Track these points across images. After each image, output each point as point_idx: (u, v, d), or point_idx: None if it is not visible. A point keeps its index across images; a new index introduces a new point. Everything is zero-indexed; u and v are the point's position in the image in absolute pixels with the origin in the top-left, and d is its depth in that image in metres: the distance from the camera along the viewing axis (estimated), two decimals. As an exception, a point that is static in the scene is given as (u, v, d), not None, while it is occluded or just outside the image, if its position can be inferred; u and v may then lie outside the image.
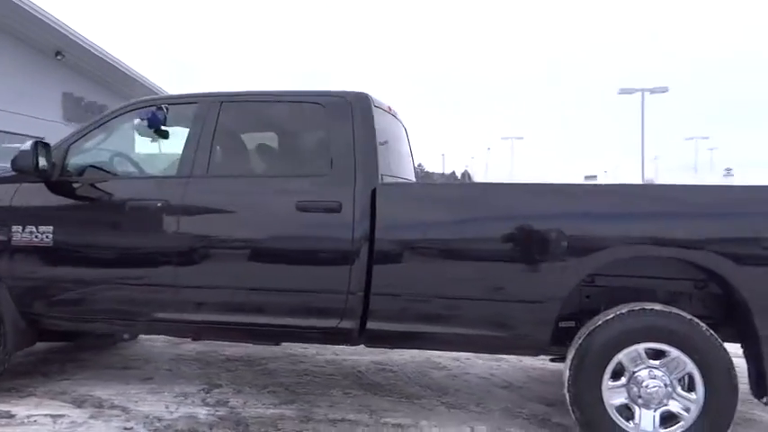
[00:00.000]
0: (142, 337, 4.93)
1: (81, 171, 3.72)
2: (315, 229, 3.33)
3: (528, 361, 4.82)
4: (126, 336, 4.08)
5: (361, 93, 3.54)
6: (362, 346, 3.58)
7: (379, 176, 3.40)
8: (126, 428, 3.33)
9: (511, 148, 64.01)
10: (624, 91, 31.38)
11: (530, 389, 4.19)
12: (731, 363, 2.95)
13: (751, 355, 3.08)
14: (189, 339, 5.05)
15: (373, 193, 3.29)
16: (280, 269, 3.39)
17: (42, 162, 3.45)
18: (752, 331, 2.98)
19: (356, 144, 3.39)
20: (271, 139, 3.91)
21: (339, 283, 3.28)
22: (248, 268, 3.42)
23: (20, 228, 3.57)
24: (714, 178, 75.75)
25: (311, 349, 5.02)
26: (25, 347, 3.86)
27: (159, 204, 3.44)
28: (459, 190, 3.57)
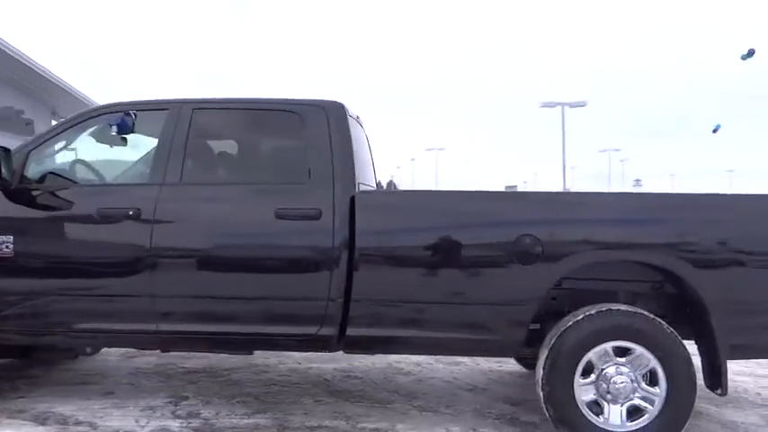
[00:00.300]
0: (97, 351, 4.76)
1: (41, 178, 3.57)
2: (294, 237, 3.35)
3: (484, 364, 4.99)
4: (88, 350, 3.92)
5: (336, 102, 3.60)
6: (324, 354, 3.60)
7: (357, 184, 3.46)
8: (97, 444, 3.23)
9: (435, 158, 65.35)
10: (546, 105, 32.71)
11: (493, 390, 4.33)
12: (690, 358, 3.19)
13: (705, 351, 3.33)
14: (142, 353, 4.95)
15: (352, 200, 3.35)
16: (258, 277, 3.39)
17: (4, 170, 3.30)
18: (707, 328, 3.23)
19: (333, 152, 3.44)
20: (246, 146, 3.90)
21: (319, 290, 3.31)
22: (225, 276, 3.40)
23: None
24: (625, 188, 79.80)
25: (272, 359, 4.98)
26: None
27: (131, 212, 3.35)
28: (437, 198, 3.66)
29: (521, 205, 3.44)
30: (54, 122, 21.52)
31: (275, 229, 3.34)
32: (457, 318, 3.33)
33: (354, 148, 3.58)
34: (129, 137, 3.80)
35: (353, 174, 3.46)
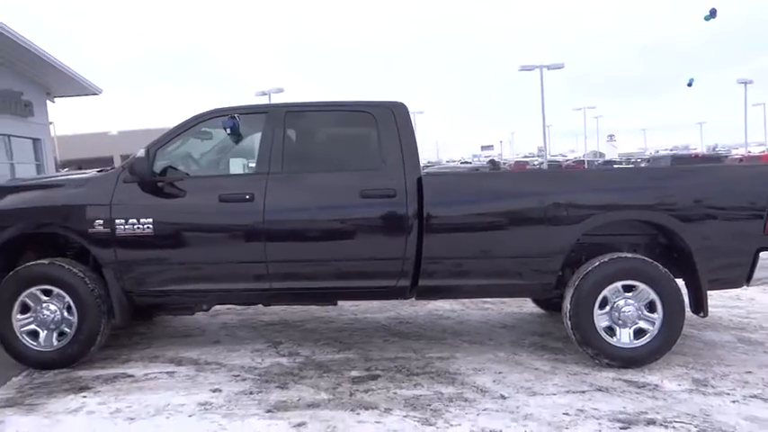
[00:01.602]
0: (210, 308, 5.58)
1: (163, 171, 4.44)
2: (376, 211, 4.29)
3: (507, 309, 6.03)
4: (205, 306, 4.83)
5: (400, 102, 4.51)
6: (374, 305, 4.44)
7: (421, 168, 4.41)
8: (234, 375, 4.20)
9: (414, 122, 65.92)
10: (525, 68, 33.49)
11: (521, 327, 5.37)
12: (679, 290, 4.24)
13: (690, 285, 4.38)
14: (222, 311, 5.89)
15: (419, 181, 4.30)
16: (349, 243, 4.32)
17: (145, 168, 4.18)
18: (691, 267, 4.28)
19: (402, 144, 4.37)
20: (332, 141, 4.81)
21: (397, 251, 4.27)
22: (323, 244, 4.34)
23: (122, 221, 4.29)
24: (600, 143, 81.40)
25: (332, 312, 5.96)
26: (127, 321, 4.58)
27: (247, 197, 4.27)
28: (484, 178, 4.61)
29: (549, 180, 4.43)
30: (49, 102, 21.79)
31: (361, 205, 4.28)
32: (503, 269, 4.34)
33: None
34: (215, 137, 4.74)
35: (418, 160, 4.40)
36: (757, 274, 4.31)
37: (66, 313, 4.34)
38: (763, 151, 41.02)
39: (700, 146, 79.75)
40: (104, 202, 4.32)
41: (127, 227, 4.29)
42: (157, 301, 4.54)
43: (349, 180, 4.35)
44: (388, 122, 4.42)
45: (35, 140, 20.64)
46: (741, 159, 21.58)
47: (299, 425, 3.38)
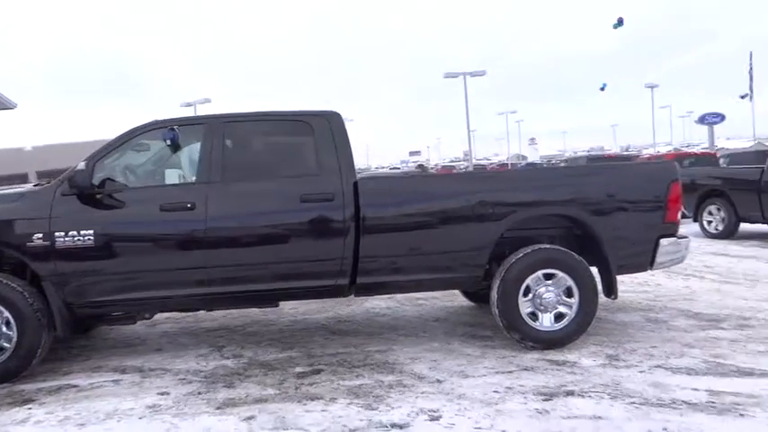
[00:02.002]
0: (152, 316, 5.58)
1: (101, 184, 4.50)
2: (315, 214, 4.52)
3: (439, 303, 6.37)
4: (147, 315, 4.89)
5: (335, 111, 4.77)
6: (314, 307, 4.68)
7: (356, 173, 4.68)
8: (180, 379, 4.32)
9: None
10: (449, 75, 34.54)
11: (452, 319, 5.72)
12: (593, 276, 4.69)
13: (602, 271, 4.84)
14: (159, 321, 5.93)
15: (355, 185, 4.57)
16: (290, 246, 4.53)
17: (85, 180, 4.25)
18: (602, 255, 4.74)
19: (337, 150, 4.63)
20: (270, 149, 4.98)
21: (335, 252, 4.51)
22: (265, 248, 4.52)
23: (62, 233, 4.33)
24: (522, 146, 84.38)
25: (270, 315, 6.12)
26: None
27: (189, 205, 4.41)
28: (416, 181, 4.92)
29: (474, 181, 4.80)
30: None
31: (301, 209, 4.50)
32: (435, 264, 4.66)
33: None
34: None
35: (353, 165, 4.67)
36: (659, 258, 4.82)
37: (4, 328, 4.33)
38: (670, 151, 43.75)
39: (614, 147, 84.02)
40: (43, 216, 4.35)
41: (67, 239, 4.33)
42: (100, 311, 4.59)
43: (289, 186, 4.56)
44: (324, 131, 4.66)
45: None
46: (650, 158, 23.04)
47: (249, 418, 3.56)
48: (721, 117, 37.83)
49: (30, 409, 3.87)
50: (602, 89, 40.65)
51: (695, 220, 10.95)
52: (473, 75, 34.11)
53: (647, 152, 41.53)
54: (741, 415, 3.34)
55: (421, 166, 40.95)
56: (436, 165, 59.86)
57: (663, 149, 50.09)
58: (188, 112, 35.55)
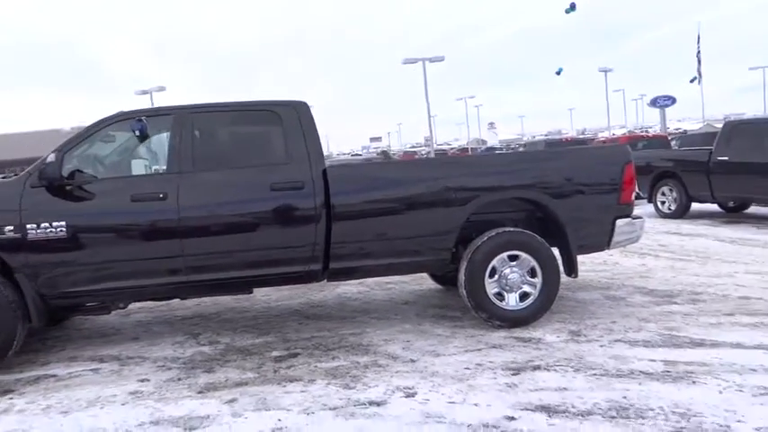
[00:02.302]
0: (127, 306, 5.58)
1: (71, 175, 4.51)
2: (286, 202, 4.62)
3: (408, 286, 6.55)
4: (121, 305, 4.92)
5: (302, 101, 4.86)
6: (286, 293, 4.80)
7: (324, 161, 4.79)
8: (159, 366, 4.40)
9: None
10: (408, 60, 34.55)
11: (422, 302, 5.90)
12: (555, 257, 4.92)
13: (563, 252, 5.08)
14: (132, 311, 5.97)
15: (324, 173, 4.68)
16: (262, 234, 4.62)
17: (55, 171, 4.26)
18: (563, 236, 4.97)
19: (306, 139, 4.73)
20: (239, 138, 5.04)
21: (307, 238, 4.63)
22: (237, 236, 4.60)
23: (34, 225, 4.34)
24: (482, 130, 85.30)
25: (243, 302, 6.21)
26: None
27: (161, 195, 4.46)
28: (384, 167, 5.05)
29: (439, 167, 4.96)
30: None
31: (272, 198, 4.60)
32: (404, 248, 4.82)
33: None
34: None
35: (322, 153, 4.78)
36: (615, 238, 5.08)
37: (-22, 321, 4.32)
38: (625, 133, 44.88)
39: (570, 130, 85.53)
40: (13, 208, 4.35)
41: (39, 231, 4.34)
42: (74, 301, 4.62)
43: (259, 175, 4.65)
44: (292, 120, 4.75)
45: None
46: (605, 142, 23.67)
47: (231, 401, 3.68)
48: (672, 100, 38.86)
49: (11, 399, 3.91)
50: (558, 73, 41.29)
51: (650, 201, 11.39)
52: (432, 60, 34.20)
53: (602, 135, 42.51)
54: (694, 382, 3.60)
55: (384, 152, 41.08)
56: (396, 151, 60.08)
57: (618, 132, 51.32)
58: (144, 100, 34.93)
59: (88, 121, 4.64)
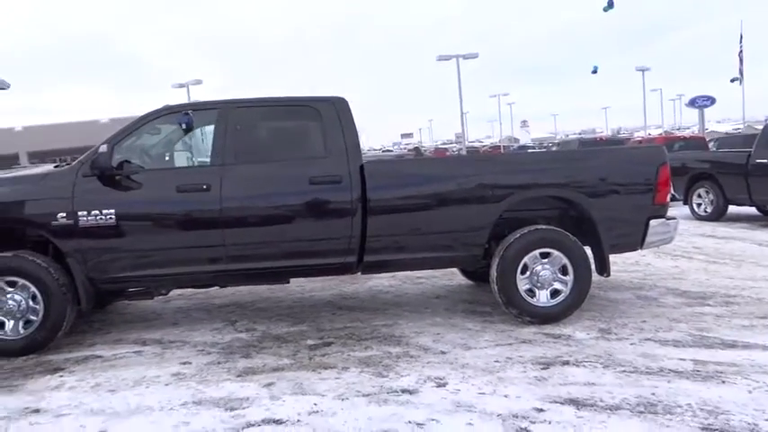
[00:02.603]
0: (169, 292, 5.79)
1: (119, 165, 4.71)
2: (324, 196, 4.76)
3: (439, 281, 6.65)
4: (164, 291, 5.13)
5: (341, 97, 4.99)
6: (319, 284, 4.97)
7: (362, 156, 4.92)
8: (199, 350, 4.58)
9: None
10: (442, 57, 34.58)
11: (453, 297, 6.00)
12: (587, 255, 4.97)
13: (595, 250, 5.12)
14: (172, 298, 6.18)
15: (361, 168, 4.81)
16: (300, 225, 4.77)
17: (107, 162, 4.47)
18: (596, 236, 5.02)
19: (344, 134, 4.86)
20: (280, 132, 5.19)
21: (344, 231, 4.76)
22: (276, 227, 4.76)
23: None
24: (514, 128, 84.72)
25: (278, 293, 6.38)
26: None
27: (204, 187, 4.64)
28: (420, 164, 5.17)
29: (475, 164, 5.05)
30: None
31: (310, 191, 4.74)
32: (438, 243, 4.92)
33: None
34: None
35: (360, 149, 4.90)
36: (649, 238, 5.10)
37: (31, 302, 4.57)
38: (661, 134, 44.14)
39: (605, 129, 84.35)
40: (66, 196, 4.57)
41: (90, 218, 4.56)
42: (120, 286, 4.84)
43: (298, 169, 4.80)
44: (331, 115, 4.89)
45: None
46: (641, 142, 23.35)
47: (269, 384, 3.83)
48: (712, 100, 38.00)
49: (61, 377, 4.13)
50: (594, 72, 40.74)
51: (685, 203, 11.26)
52: (466, 57, 34.15)
53: (638, 135, 41.88)
54: (723, 381, 3.64)
55: (416, 148, 41.09)
56: (427, 148, 60.05)
57: (654, 132, 50.48)
58: (181, 94, 35.61)
59: (124, 113, 4.86)
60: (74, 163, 4.83)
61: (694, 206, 11.10)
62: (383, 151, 55.22)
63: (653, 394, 3.48)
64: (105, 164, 4.48)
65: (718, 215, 10.70)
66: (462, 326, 4.95)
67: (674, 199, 9.86)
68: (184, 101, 34.91)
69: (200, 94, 35.88)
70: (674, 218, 5.27)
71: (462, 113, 35.41)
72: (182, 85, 35.37)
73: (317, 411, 3.41)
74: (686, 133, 38.09)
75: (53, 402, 3.69)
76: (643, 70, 44.21)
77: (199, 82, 35.89)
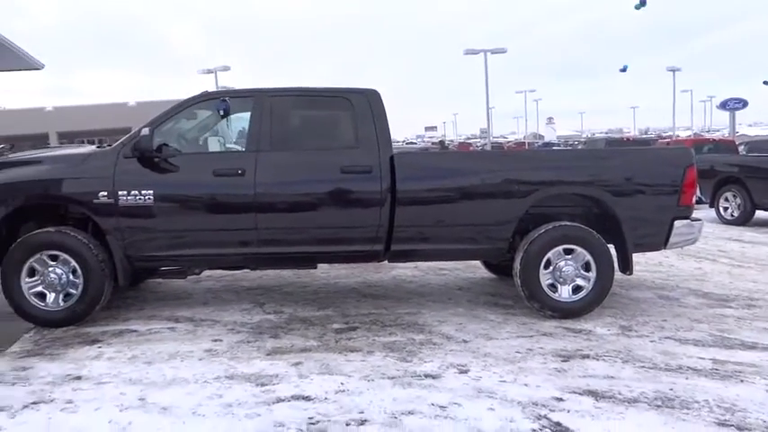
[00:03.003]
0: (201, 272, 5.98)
1: (158, 149, 4.88)
2: (354, 185, 4.90)
3: (462, 274, 6.76)
4: (197, 270, 5.33)
5: (373, 89, 5.11)
6: (344, 271, 5.08)
7: (392, 147, 5.04)
8: (229, 329, 4.76)
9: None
10: (469, 51, 34.43)
11: (476, 289, 6.10)
12: (610, 253, 5.03)
13: (619, 248, 5.18)
14: (202, 278, 6.37)
15: (391, 159, 4.93)
16: (330, 213, 4.91)
17: (148, 144, 4.65)
18: (620, 234, 5.08)
19: (376, 125, 4.98)
20: (313, 122, 5.34)
21: (372, 220, 4.89)
22: (307, 214, 4.91)
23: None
24: (540, 125, 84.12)
25: (304, 278, 6.54)
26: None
27: (239, 171, 4.80)
28: (449, 157, 5.29)
29: (502, 160, 5.14)
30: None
31: (341, 179, 4.88)
32: (463, 235, 5.03)
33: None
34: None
35: (390, 140, 5.02)
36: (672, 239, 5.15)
37: (71, 276, 4.77)
38: (690, 136, 43.54)
39: (632, 129, 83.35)
40: (108, 176, 4.76)
41: (129, 197, 4.75)
42: (156, 264, 5.04)
43: (330, 157, 4.93)
44: (363, 107, 5.01)
45: (-23, 115, 20.10)
46: (668, 143, 23.13)
47: (297, 364, 3.98)
48: (744, 103, 37.39)
49: (100, 347, 4.33)
50: (624, 70, 40.18)
51: (711, 206, 11.20)
52: (494, 52, 33.97)
53: (666, 136, 41.37)
54: (742, 381, 3.70)
55: (441, 142, 41.07)
56: (451, 141, 59.96)
57: (683, 134, 49.81)
58: (208, 79, 35.99)
59: (152, 96, 5.03)
60: (115, 144, 5.02)
61: (721, 210, 11.04)
62: (406, 143, 55.28)
63: (671, 390, 3.56)
64: (147, 146, 4.66)
65: (744, 219, 10.63)
66: (484, 317, 5.06)
67: (700, 202, 9.84)
68: (212, 87, 35.33)
69: (228, 81, 36.19)
70: (698, 219, 5.31)
71: (488, 108, 35.31)
72: (209, 71, 35.73)
73: (344, 390, 3.56)
74: (716, 136, 37.53)
75: (93, 371, 3.89)
76: (674, 70, 43.63)
77: (227, 68, 36.21)
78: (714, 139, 23.53)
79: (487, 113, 35.60)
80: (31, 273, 4.77)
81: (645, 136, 52.81)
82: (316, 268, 5.49)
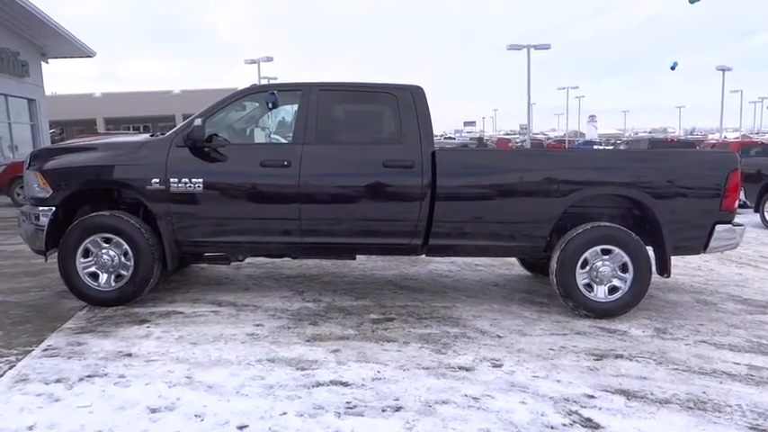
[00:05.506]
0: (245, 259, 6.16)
1: (209, 138, 5.07)
2: (396, 179, 5.00)
3: (497, 270, 6.82)
4: (240, 257, 5.53)
5: (418, 86, 5.20)
6: (380, 264, 5.19)
7: (434, 143, 5.12)
8: (270, 314, 4.93)
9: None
10: (512, 47, 34.10)
11: (511, 286, 6.17)
12: (648, 255, 5.04)
13: (657, 251, 5.18)
14: (243, 265, 6.58)
15: (433, 155, 5.02)
16: (372, 205, 5.03)
17: (200, 134, 4.84)
18: (659, 236, 5.07)
19: (419, 121, 5.07)
20: (359, 116, 5.47)
21: (412, 214, 5.00)
22: (350, 206, 5.04)
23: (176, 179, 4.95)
24: (581, 123, 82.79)
25: (342, 269, 6.70)
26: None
27: (285, 163, 4.96)
28: (490, 154, 5.37)
29: (543, 158, 5.18)
30: (43, 63, 21.86)
31: (384, 174, 4.99)
32: (501, 233, 5.09)
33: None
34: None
35: (432, 136, 5.11)
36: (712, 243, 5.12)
37: (123, 258, 5.01)
38: (738, 137, 42.32)
39: (677, 129, 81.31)
40: (160, 163, 4.98)
41: (180, 185, 4.95)
42: (202, 250, 5.24)
43: (373, 152, 5.05)
44: (407, 103, 5.11)
45: (30, 101, 20.88)
46: (713, 146, 22.59)
47: (335, 350, 4.13)
48: (796, 106, 36.15)
49: (148, 327, 4.55)
50: (673, 68, 39.04)
51: (756, 211, 10.97)
52: (537, 48, 33.55)
53: (712, 138, 40.32)
54: (776, 388, 3.70)
55: (479, 138, 40.85)
56: (490, 137, 59.55)
57: (730, 135, 48.46)
58: (252, 69, 36.51)
59: (195, 85, 5.21)
60: (168, 133, 5.23)
61: (766, 215, 10.80)
62: (445, 138, 55.07)
63: (704, 393, 3.59)
64: (200, 136, 4.85)
65: (790, 226, 10.39)
66: (519, 313, 5.13)
67: (744, 206, 9.66)
68: (254, 77, 35.79)
69: (271, 71, 36.70)
70: (740, 224, 5.26)
71: (529, 104, 34.95)
72: (253, 62, 36.24)
73: (380, 378, 3.68)
74: (764, 139, 36.40)
75: (143, 349, 4.10)
76: (724, 70, 42.43)
77: (270, 59, 36.66)
78: (763, 142, 22.88)
79: (528, 109, 35.24)
80: (86, 254, 5.02)
81: (690, 137, 51.51)
82: (354, 259, 5.62)
